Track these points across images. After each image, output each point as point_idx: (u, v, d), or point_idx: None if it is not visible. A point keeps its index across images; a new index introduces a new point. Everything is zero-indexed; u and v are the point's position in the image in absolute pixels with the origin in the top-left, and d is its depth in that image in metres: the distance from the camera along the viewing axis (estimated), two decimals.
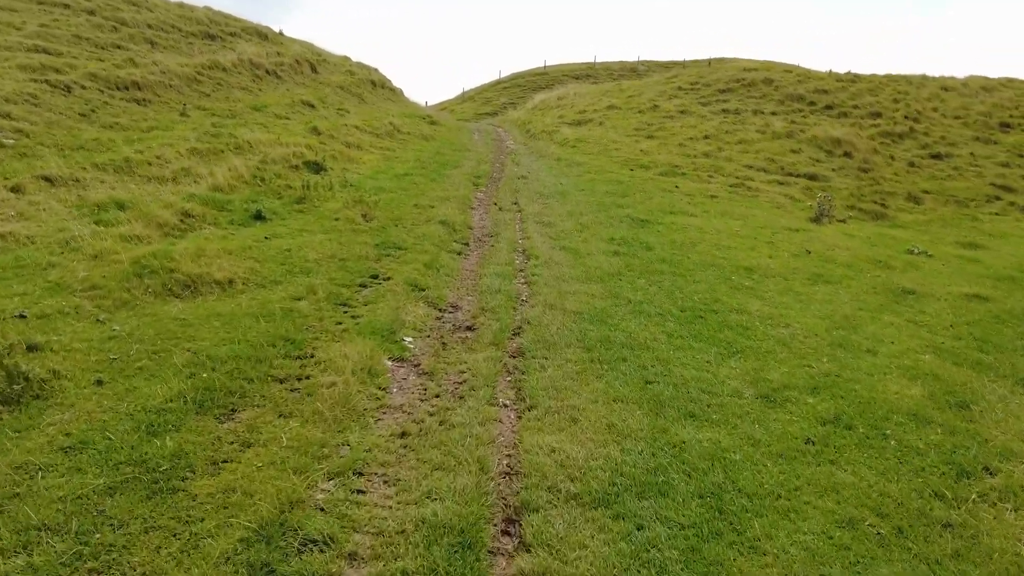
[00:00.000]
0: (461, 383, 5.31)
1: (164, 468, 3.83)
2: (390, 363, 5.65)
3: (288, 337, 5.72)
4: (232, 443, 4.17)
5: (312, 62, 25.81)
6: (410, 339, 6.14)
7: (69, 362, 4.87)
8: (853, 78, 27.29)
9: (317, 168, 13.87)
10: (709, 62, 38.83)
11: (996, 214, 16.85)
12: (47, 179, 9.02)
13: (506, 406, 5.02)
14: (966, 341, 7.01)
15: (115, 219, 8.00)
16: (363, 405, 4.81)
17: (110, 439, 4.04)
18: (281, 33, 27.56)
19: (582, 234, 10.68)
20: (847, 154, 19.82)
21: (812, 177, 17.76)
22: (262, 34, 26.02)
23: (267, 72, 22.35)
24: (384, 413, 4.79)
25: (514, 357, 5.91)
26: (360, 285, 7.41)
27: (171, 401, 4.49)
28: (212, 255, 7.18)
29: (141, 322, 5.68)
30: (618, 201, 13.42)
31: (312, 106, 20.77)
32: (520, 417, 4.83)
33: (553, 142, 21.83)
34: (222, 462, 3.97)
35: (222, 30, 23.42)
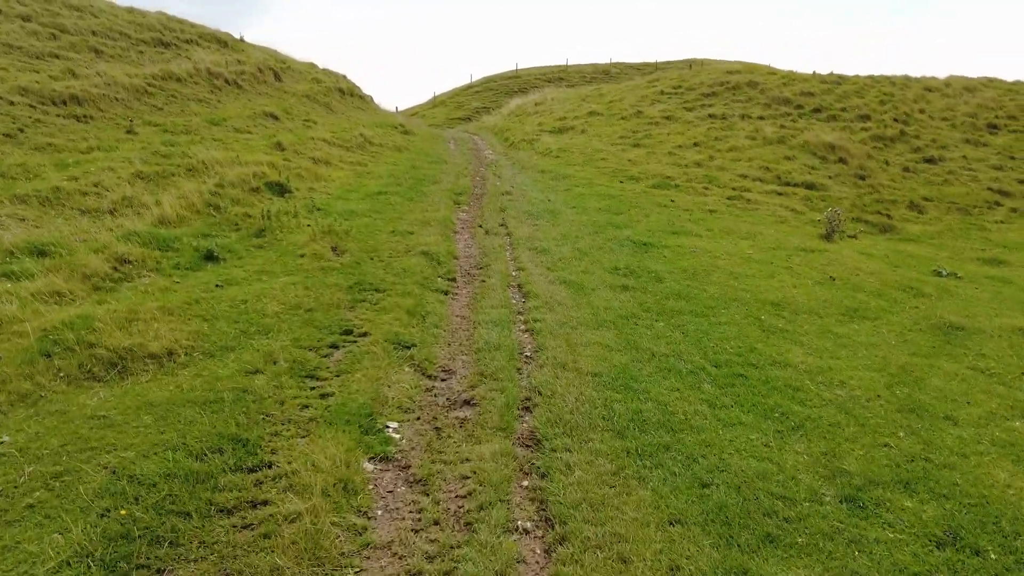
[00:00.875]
0: (466, 496, 4.10)
1: None
2: (371, 466, 4.41)
3: (239, 436, 4.45)
4: None
5: (276, 70, 24.34)
6: (395, 426, 4.90)
7: None
8: (838, 79, 26.66)
9: (281, 189, 12.52)
10: (690, 64, 38.14)
11: (1001, 222, 16.15)
12: None
13: (527, 531, 3.82)
14: None
15: (30, 270, 6.61)
16: (339, 547, 3.57)
17: None
18: (242, 39, 26.01)
19: (581, 262, 9.53)
20: (842, 160, 19.03)
21: (810, 186, 16.88)
22: (221, 41, 24.46)
23: (227, 82, 20.85)
24: (368, 558, 3.55)
25: (528, 447, 4.71)
26: (331, 346, 6.14)
27: (68, 565, 3.21)
28: (148, 317, 5.85)
29: (44, 426, 4.35)
30: (614, 220, 12.31)
31: (276, 118, 19.34)
32: (549, 553, 3.64)
33: (535, 152, 20.69)
34: None
35: (177, 37, 21.83)
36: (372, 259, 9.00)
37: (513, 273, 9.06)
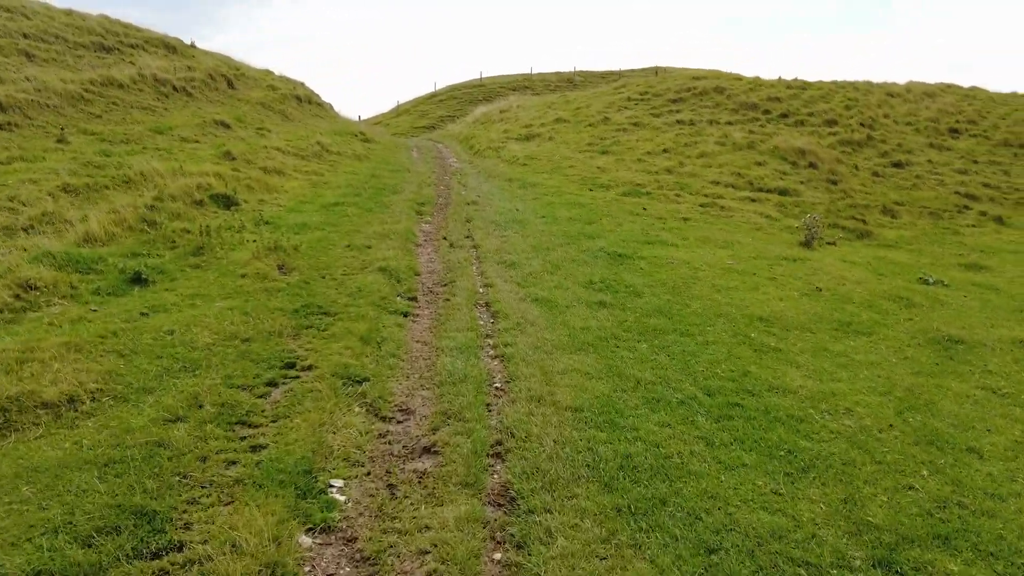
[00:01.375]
0: None
1: None
2: (308, 540, 3.61)
3: (145, 508, 3.60)
4: None
5: (229, 77, 23.24)
6: (340, 484, 4.10)
7: None
8: (803, 85, 26.63)
9: (227, 202, 11.58)
10: (656, 71, 38.01)
11: (972, 226, 16.00)
12: None
13: None
14: None
15: None
16: None
17: None
18: (193, 45, 24.84)
19: (554, 276, 8.83)
20: (812, 165, 18.77)
21: (783, 192, 16.52)
22: (170, 46, 23.27)
23: (175, 89, 19.73)
24: None
25: (500, 506, 3.95)
26: (269, 383, 5.31)
27: None
28: (48, 356, 4.95)
29: None
30: (585, 230, 11.67)
31: (227, 126, 18.30)
32: None
33: (501, 159, 20.00)
34: None
35: (120, 42, 20.62)
36: (323, 277, 8.16)
37: (480, 290, 8.32)
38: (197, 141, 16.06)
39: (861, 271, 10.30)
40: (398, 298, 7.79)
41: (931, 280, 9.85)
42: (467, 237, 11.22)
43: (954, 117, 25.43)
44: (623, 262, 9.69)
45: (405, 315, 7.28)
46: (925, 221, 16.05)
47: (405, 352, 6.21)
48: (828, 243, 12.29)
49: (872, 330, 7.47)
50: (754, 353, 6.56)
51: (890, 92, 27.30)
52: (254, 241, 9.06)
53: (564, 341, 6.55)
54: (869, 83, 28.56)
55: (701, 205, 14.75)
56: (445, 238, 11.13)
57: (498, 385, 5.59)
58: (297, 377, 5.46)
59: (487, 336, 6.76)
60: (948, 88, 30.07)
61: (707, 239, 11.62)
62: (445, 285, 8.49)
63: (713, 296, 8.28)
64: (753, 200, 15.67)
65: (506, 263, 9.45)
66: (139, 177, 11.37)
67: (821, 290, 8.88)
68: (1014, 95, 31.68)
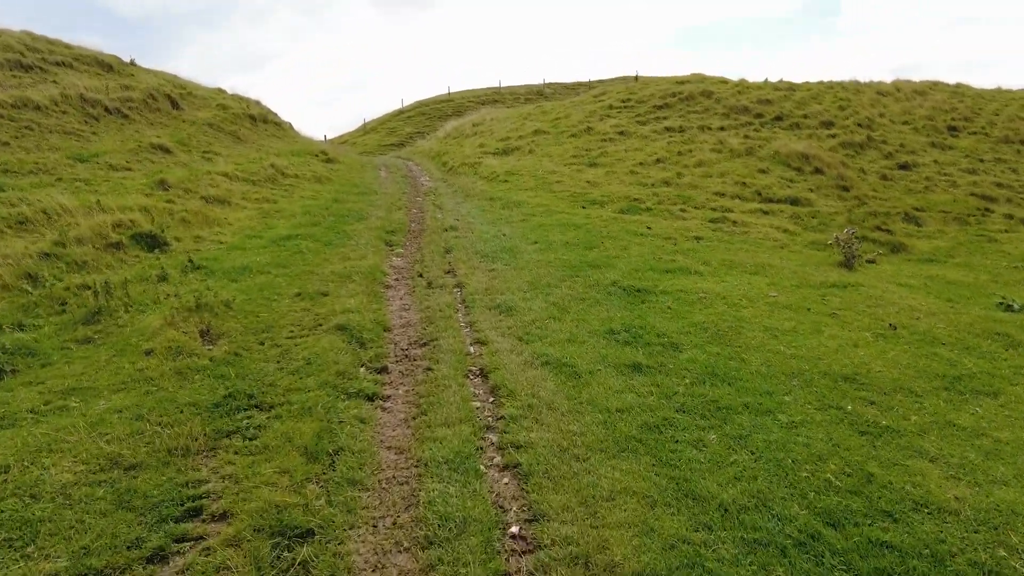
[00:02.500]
0: None
1: None
2: None
3: None
4: None
5: (173, 96, 21.06)
6: None
7: None
8: (791, 86, 25.29)
9: (153, 243, 9.49)
10: (636, 78, 36.63)
11: (1005, 231, 14.52)
12: None
13: None
14: None
15: None
16: None
17: None
18: (133, 63, 22.62)
19: (563, 324, 6.93)
20: (818, 170, 17.22)
21: (794, 201, 14.88)
22: (105, 64, 21.03)
23: (107, 111, 17.52)
24: None
25: None
26: (152, 559, 3.28)
27: None
28: None
29: None
30: (587, 257, 9.79)
31: (167, 151, 16.15)
32: None
33: (478, 176, 18.11)
34: None
35: (43, 59, 18.36)
36: (262, 344, 6.14)
37: (471, 350, 6.36)
38: (128, 169, 13.90)
39: (924, 297, 8.57)
40: (362, 371, 5.79)
41: (1015, 306, 8.14)
42: (448, 272, 9.27)
43: (949, 115, 24.26)
44: (644, 299, 7.82)
45: (371, 399, 5.29)
46: (953, 228, 14.53)
47: (371, 473, 4.21)
48: (868, 261, 10.58)
49: (995, 387, 5.67)
50: (861, 438, 4.70)
51: (880, 91, 26.10)
52: (175, 296, 6.99)
53: (599, 435, 4.62)
54: (857, 82, 27.37)
55: (711, 221, 13.00)
56: (421, 275, 9.17)
57: (516, 531, 3.63)
58: (201, 539, 3.44)
59: (488, 429, 4.81)
60: (935, 85, 29.06)
61: (732, 263, 9.82)
62: (424, 344, 6.51)
63: (771, 345, 6.43)
64: (765, 212, 13.98)
65: (500, 307, 7.52)
66: (39, 216, 9.24)
67: (896, 328, 7.10)
68: (999, 91, 30.89)
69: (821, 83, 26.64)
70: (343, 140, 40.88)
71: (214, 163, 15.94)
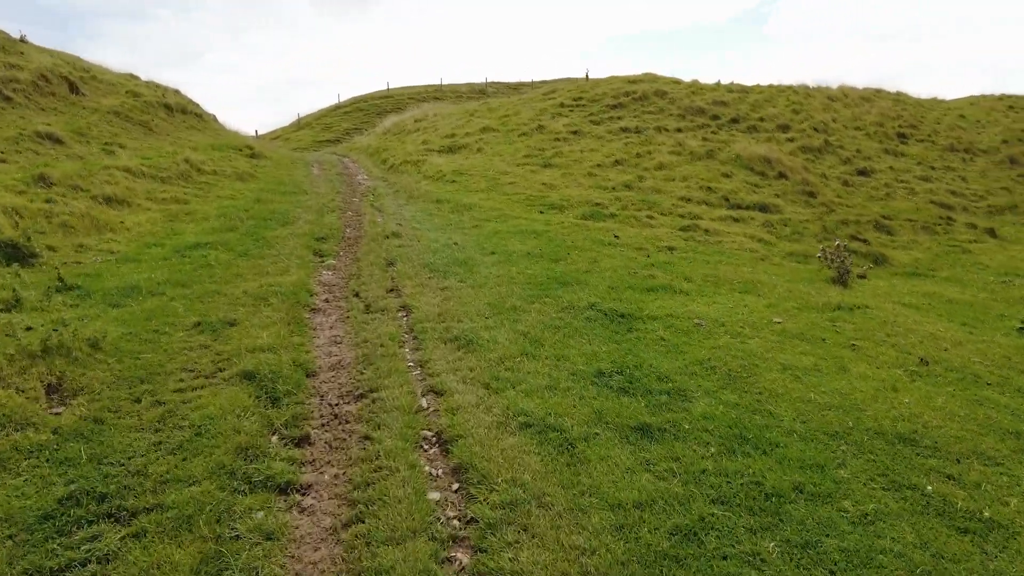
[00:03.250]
0: None
1: None
2: None
3: None
4: None
5: (72, 79, 18.56)
6: None
7: None
8: (743, 89, 24.76)
9: (15, 254, 7.58)
10: (587, 76, 35.63)
11: (974, 241, 14.04)
12: None
13: None
14: None
15: None
16: None
17: None
18: (23, 40, 19.89)
19: (538, 363, 5.52)
20: (782, 175, 16.45)
21: (763, 208, 13.97)
22: None
23: None
24: None
25: None
26: None
27: None
28: None
29: None
30: (554, 272, 8.42)
31: (58, 141, 13.88)
32: None
33: (423, 176, 16.51)
34: None
35: None
36: (138, 402, 4.48)
37: (424, 403, 4.86)
38: (2, 161, 11.67)
39: (936, 320, 7.60)
40: (274, 441, 4.21)
41: None
42: (391, 291, 7.71)
43: (896, 122, 24.24)
44: (630, 327, 6.49)
45: (285, 491, 3.72)
46: (923, 237, 13.95)
47: None
48: (859, 276, 9.62)
49: None
50: (964, 538, 3.48)
51: (830, 96, 25.90)
52: (13, 335, 5.19)
53: (618, 552, 3.22)
54: (806, 87, 27.12)
55: (681, 229, 11.87)
56: (357, 294, 7.58)
57: None
58: None
59: (454, 542, 3.33)
60: (878, 93, 29.25)
61: (717, 279, 8.64)
62: (361, 397, 4.97)
63: (796, 390, 5.20)
64: (736, 220, 12.98)
65: (458, 340, 6.03)
66: None
67: (928, 363, 6.01)
68: (935, 100, 31.52)
69: (772, 86, 26.25)
70: (275, 136, 38.32)
71: (116, 156, 13.78)
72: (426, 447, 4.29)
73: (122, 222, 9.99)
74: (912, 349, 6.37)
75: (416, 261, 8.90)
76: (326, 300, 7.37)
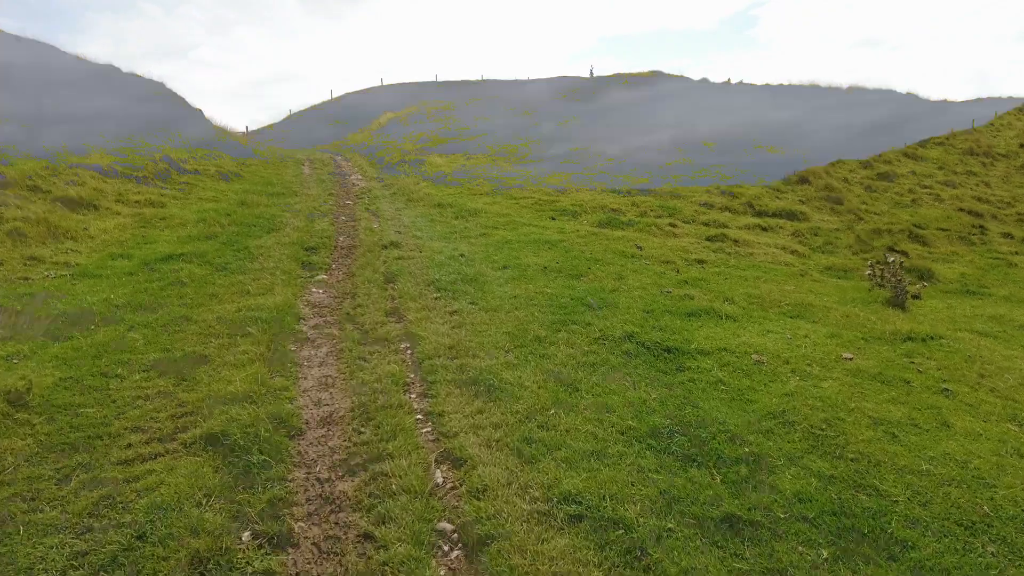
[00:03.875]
0: None
1: None
2: None
3: None
4: None
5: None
6: None
7: None
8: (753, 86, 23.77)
9: None
10: (591, 73, 34.57)
11: (1016, 253, 13.09)
12: None
13: None
14: None
15: None
16: None
17: None
18: None
19: (574, 415, 4.47)
20: (803, 180, 15.49)
21: (790, 216, 12.99)
22: None
23: None
24: None
25: None
26: None
27: None
28: None
29: None
30: (576, 289, 7.39)
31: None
32: None
33: (422, 176, 15.42)
34: None
35: None
36: (66, 482, 3.39)
37: (439, 479, 3.80)
38: None
39: (1022, 353, 6.59)
40: (244, 539, 3.14)
41: None
42: (391, 314, 6.63)
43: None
44: (680, 365, 5.46)
45: None
46: (961, 248, 12.99)
47: None
48: (913, 296, 8.62)
49: None
50: None
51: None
52: None
53: None
54: (817, 86, 26.25)
55: (708, 239, 10.86)
56: (351, 316, 6.50)
57: None
58: None
59: None
60: (890, 94, 28.43)
61: (762, 300, 7.63)
62: (358, 470, 3.89)
63: (898, 455, 4.17)
64: (764, 229, 11.99)
65: (475, 383, 4.97)
66: None
67: None
68: (945, 103, 30.77)
69: (782, 85, 25.35)
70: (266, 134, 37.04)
71: (87, 154, 12.62)
72: (445, 548, 3.23)
73: (86, 228, 8.86)
74: (1015, 395, 5.36)
75: (419, 277, 7.83)
76: (315, 325, 6.28)
